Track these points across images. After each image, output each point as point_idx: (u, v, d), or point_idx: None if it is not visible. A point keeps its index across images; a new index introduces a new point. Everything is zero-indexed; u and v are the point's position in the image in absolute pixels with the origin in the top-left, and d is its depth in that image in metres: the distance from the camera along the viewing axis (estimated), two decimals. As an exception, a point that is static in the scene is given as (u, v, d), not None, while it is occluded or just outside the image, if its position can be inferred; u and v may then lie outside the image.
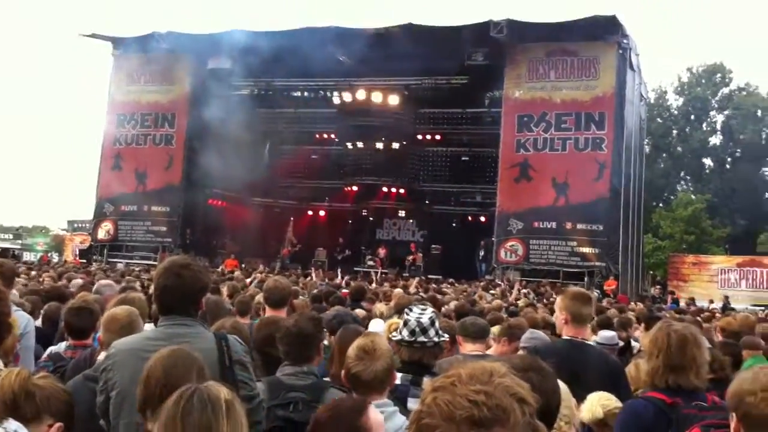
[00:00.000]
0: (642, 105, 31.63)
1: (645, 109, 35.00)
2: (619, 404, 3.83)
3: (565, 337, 4.66)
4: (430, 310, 4.31)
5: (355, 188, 34.17)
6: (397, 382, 3.79)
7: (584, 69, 24.34)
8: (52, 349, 5.18)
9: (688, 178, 53.16)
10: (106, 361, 3.40)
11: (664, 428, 3.28)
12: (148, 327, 4.28)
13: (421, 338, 4.06)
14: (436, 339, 4.12)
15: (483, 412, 1.39)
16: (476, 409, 1.39)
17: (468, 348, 5.12)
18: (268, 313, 6.06)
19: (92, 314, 4.95)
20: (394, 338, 4.16)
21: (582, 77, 24.37)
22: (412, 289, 14.95)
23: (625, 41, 24.27)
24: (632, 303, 18.60)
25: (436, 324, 4.18)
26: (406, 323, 4.12)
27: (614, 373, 4.58)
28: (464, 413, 1.39)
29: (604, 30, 23.90)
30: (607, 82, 24.05)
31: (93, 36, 29.70)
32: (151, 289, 7.33)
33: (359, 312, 8.19)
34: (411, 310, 4.26)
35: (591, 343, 5.00)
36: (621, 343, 7.07)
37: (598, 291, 21.10)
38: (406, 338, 4.07)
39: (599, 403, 3.83)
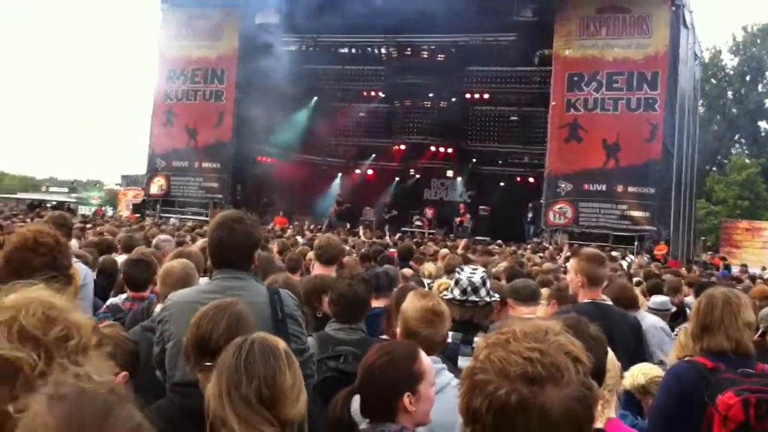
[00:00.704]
0: (696, 65, 30.81)
1: (699, 69, 34.09)
2: (660, 372, 3.85)
3: (585, 300, 4.66)
4: (481, 270, 4.33)
5: (402, 147, 34.07)
6: (448, 340, 3.82)
7: (636, 26, 23.71)
8: (111, 300, 5.32)
9: (743, 141, 51.90)
10: (162, 312, 3.48)
11: (702, 392, 3.30)
12: (203, 281, 4.38)
13: (473, 297, 4.08)
14: (487, 299, 4.13)
15: (537, 368, 1.40)
16: (530, 366, 1.40)
17: (520, 311, 5.06)
18: (318, 269, 6.13)
19: (149, 266, 5.07)
20: (445, 297, 4.18)
21: (634, 35, 23.73)
22: (459, 251, 14.92)
23: (678, -2, 23.59)
24: (683, 269, 18.34)
25: (488, 284, 4.19)
26: (457, 282, 4.13)
27: (636, 330, 4.74)
28: (518, 370, 1.40)
29: (657, -15, 23.22)
30: (660, 40, 23.40)
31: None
32: (199, 243, 7.49)
33: (406, 271, 8.23)
34: (462, 269, 4.28)
35: (609, 303, 5.00)
36: (673, 309, 6.98)
37: (648, 256, 20.82)
38: (458, 297, 4.09)
39: (641, 371, 3.86)
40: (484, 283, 4.14)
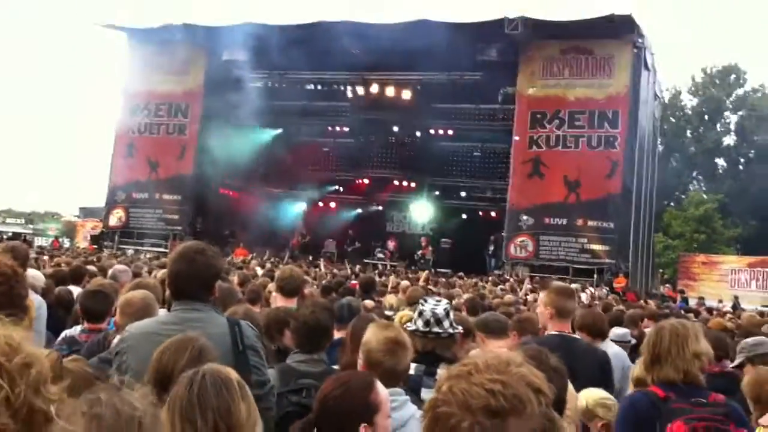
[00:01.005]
0: (656, 104, 31.48)
1: (660, 109, 34.83)
2: (605, 394, 3.90)
3: (552, 332, 4.69)
4: (444, 302, 4.32)
5: (366, 180, 34.15)
6: (411, 372, 3.79)
7: (599, 67, 24.22)
8: (67, 332, 5.20)
9: (701, 178, 52.94)
10: (121, 344, 3.42)
11: (655, 421, 3.38)
12: (162, 312, 4.31)
13: (436, 329, 4.06)
14: (450, 330, 4.12)
15: (499, 401, 1.38)
16: (493, 399, 1.38)
17: (490, 344, 4.98)
18: (279, 301, 6.07)
19: (107, 298, 4.98)
20: (408, 328, 4.16)
21: (596, 75, 24.24)
22: (421, 283, 14.93)
23: (640, 40, 24.08)
24: (641, 301, 18.53)
25: (451, 315, 4.18)
26: (420, 314, 4.12)
27: (602, 364, 4.75)
28: (480, 402, 1.38)
29: (620, 29, 23.58)
30: (622, 81, 23.92)
31: (108, 26, 29.64)
32: (158, 275, 7.38)
33: (368, 303, 8.19)
34: (426, 301, 4.27)
35: (577, 336, 5.03)
36: (633, 341, 7.04)
37: (607, 288, 21.03)
38: (421, 328, 4.07)
39: (585, 395, 3.89)
40: (447, 315, 4.13)
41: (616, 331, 6.81)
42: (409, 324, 4.26)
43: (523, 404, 1.39)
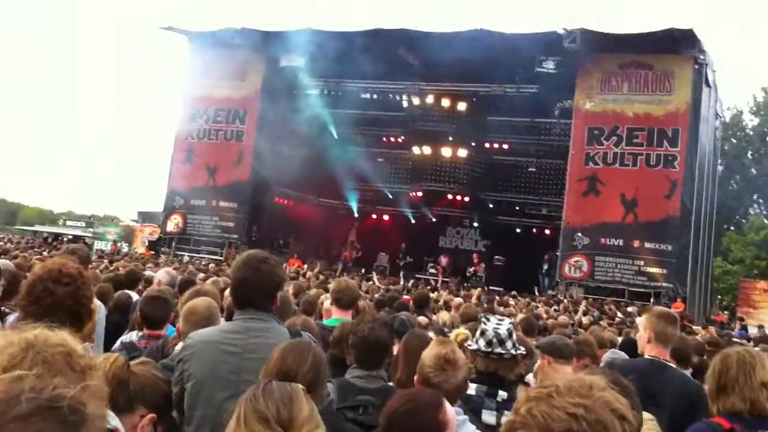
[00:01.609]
0: (717, 123, 30.81)
1: (720, 128, 34.08)
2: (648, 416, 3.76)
3: (647, 356, 4.53)
4: (507, 321, 4.23)
5: (419, 194, 34.07)
6: (471, 392, 3.73)
7: (658, 83, 23.80)
8: (125, 337, 5.24)
9: (762, 201, 51.56)
10: (183, 351, 3.42)
11: None
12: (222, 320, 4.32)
13: (498, 349, 3.98)
14: (513, 351, 4.03)
15: (582, 426, 1.34)
16: (575, 423, 1.34)
17: (559, 369, 4.81)
18: (335, 314, 6.05)
19: (167, 304, 5.01)
20: (470, 347, 4.09)
21: (656, 91, 23.82)
22: (473, 300, 14.81)
23: (701, 56, 23.60)
24: (700, 327, 18.08)
25: (514, 336, 4.10)
26: (483, 333, 4.04)
27: (694, 397, 4.39)
28: (562, 426, 1.34)
29: (681, 44, 23.21)
30: (682, 97, 23.47)
31: (169, 29, 30.15)
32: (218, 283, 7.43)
33: (422, 319, 8.13)
34: (488, 319, 4.19)
35: (673, 365, 4.84)
36: (690, 370, 6.79)
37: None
38: (483, 348, 3.99)
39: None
40: (510, 335, 4.05)
41: None
42: (470, 343, 4.18)
43: (606, 430, 1.34)
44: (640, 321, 4.86)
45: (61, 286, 2.70)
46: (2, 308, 4.98)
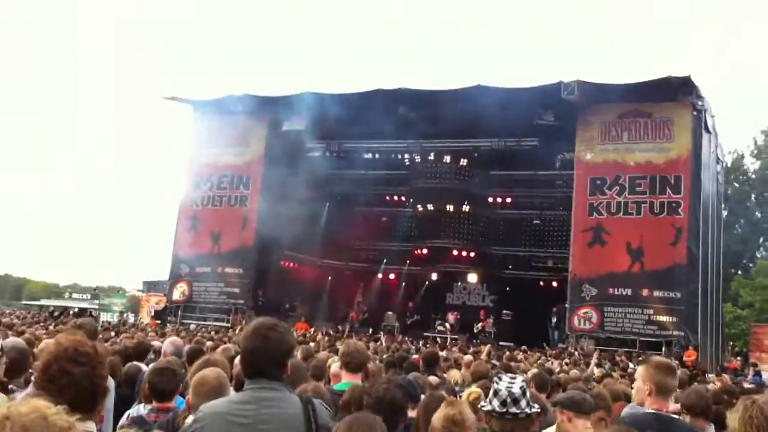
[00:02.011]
0: (719, 168, 30.85)
1: (722, 173, 34.12)
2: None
3: (650, 410, 4.44)
4: (520, 379, 4.15)
5: (425, 251, 34.00)
6: (488, 454, 3.65)
7: (658, 131, 23.93)
8: (131, 411, 5.15)
9: (768, 244, 51.37)
10: (194, 424, 3.36)
11: None
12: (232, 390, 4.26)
13: (513, 409, 3.90)
14: (528, 410, 3.95)
15: None
16: None
17: (578, 424, 4.68)
18: (344, 377, 5.97)
19: (175, 375, 4.95)
20: (483, 408, 4.01)
21: (656, 139, 23.94)
22: (483, 357, 14.67)
23: (700, 103, 23.73)
24: (713, 375, 17.83)
25: (528, 394, 4.03)
26: (496, 393, 3.97)
27: None
28: None
29: (678, 91, 23.44)
30: (683, 144, 23.56)
31: (174, 99, 30.54)
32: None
33: (432, 379, 8.02)
34: (500, 378, 4.11)
35: (678, 417, 4.75)
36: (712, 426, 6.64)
37: (677, 362, 20.29)
38: (497, 409, 3.91)
39: None
40: (524, 393, 3.97)
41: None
42: (483, 403, 4.11)
43: None
44: (639, 372, 4.77)
45: (77, 366, 2.66)
46: (9, 386, 4.92)
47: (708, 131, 25.21)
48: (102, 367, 2.75)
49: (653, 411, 4.38)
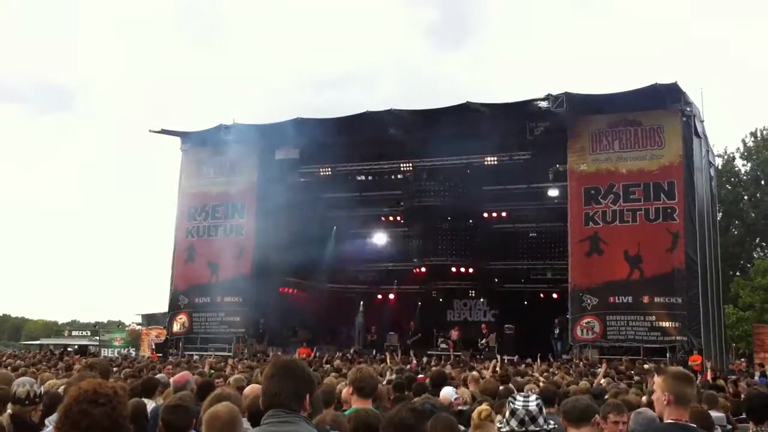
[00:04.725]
0: (711, 172, 30.99)
1: (715, 176, 34.27)
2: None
3: (668, 420, 4.43)
4: (534, 396, 4.16)
5: (423, 269, 33.97)
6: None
7: (649, 138, 24.05)
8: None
9: (764, 244, 51.41)
10: (213, 462, 3.36)
11: None
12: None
13: (532, 427, 3.90)
14: (546, 427, 3.96)
15: None
16: None
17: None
18: (355, 403, 5.94)
19: (189, 412, 4.94)
20: (502, 429, 4.01)
21: (647, 146, 24.05)
22: (489, 372, 14.61)
23: (688, 108, 23.89)
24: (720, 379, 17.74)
25: (544, 411, 4.03)
26: (513, 413, 3.97)
27: None
28: None
29: (666, 98, 23.64)
30: (674, 150, 23.69)
31: (162, 132, 30.55)
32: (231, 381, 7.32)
33: (444, 398, 7.99)
34: (515, 398, 4.12)
35: (693, 426, 4.73)
36: (729, 426, 6.61)
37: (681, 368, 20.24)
38: (516, 429, 3.91)
39: None
40: (541, 411, 3.97)
41: (713, 415, 6.38)
42: (500, 425, 4.11)
43: None
44: (657, 382, 4.75)
45: (98, 407, 2.65)
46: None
47: (698, 136, 25.35)
48: (123, 407, 2.74)
49: (672, 421, 4.37)
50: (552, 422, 4.16)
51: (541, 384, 9.99)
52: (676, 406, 4.38)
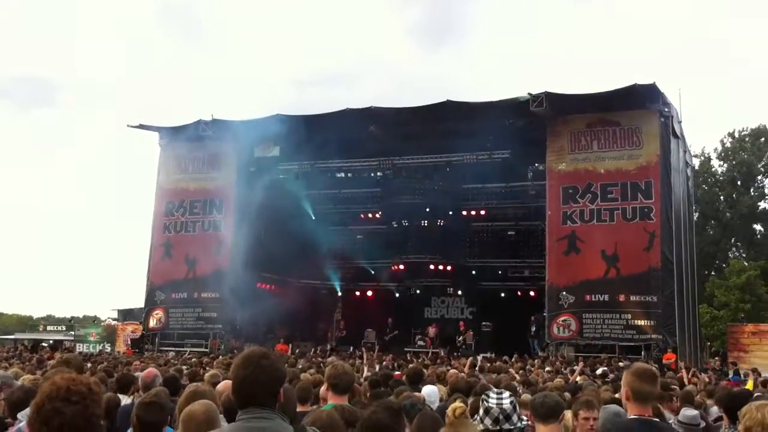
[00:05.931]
0: (688, 172, 31.26)
1: (691, 176, 34.58)
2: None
3: (631, 415, 4.46)
4: (507, 394, 4.17)
5: (401, 267, 33.98)
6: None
7: (627, 138, 24.20)
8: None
9: (739, 244, 51.98)
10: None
11: None
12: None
13: (506, 425, 3.92)
14: (519, 425, 3.99)
15: None
16: None
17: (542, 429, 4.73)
18: (331, 399, 5.92)
19: (164, 408, 4.91)
20: (477, 428, 4.03)
21: (625, 147, 24.20)
22: (466, 369, 14.67)
23: (666, 109, 24.08)
24: (694, 376, 17.93)
25: (518, 408, 4.05)
26: (488, 411, 3.98)
27: None
28: None
29: (645, 99, 23.76)
30: (652, 150, 23.85)
31: (140, 127, 30.30)
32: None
33: (419, 395, 8.00)
34: (488, 396, 4.13)
35: (655, 420, 4.77)
36: (703, 423, 6.62)
37: (656, 365, 20.45)
38: (491, 427, 3.93)
39: None
40: (514, 409, 4.00)
41: (687, 413, 6.38)
42: (474, 422, 4.12)
43: None
44: (622, 378, 4.79)
45: (71, 405, 2.58)
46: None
47: (676, 136, 25.56)
48: (96, 406, 2.67)
49: (634, 416, 4.39)
50: (525, 418, 4.19)
51: (516, 381, 10.04)
52: (635, 402, 4.41)
